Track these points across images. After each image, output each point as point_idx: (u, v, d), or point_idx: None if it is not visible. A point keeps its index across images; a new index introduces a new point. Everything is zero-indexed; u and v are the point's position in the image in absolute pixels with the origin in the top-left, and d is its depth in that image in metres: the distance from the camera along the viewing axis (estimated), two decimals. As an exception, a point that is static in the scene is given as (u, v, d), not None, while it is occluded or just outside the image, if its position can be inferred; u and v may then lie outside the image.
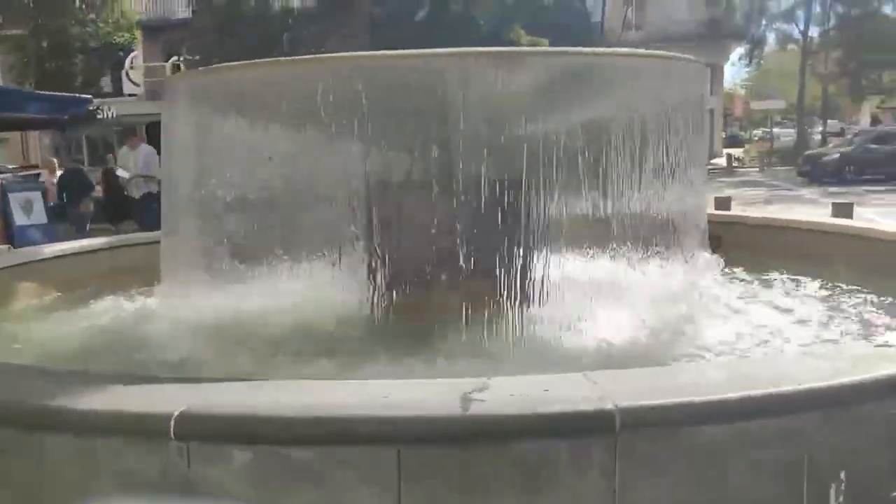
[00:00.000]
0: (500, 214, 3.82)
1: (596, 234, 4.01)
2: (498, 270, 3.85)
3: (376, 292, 4.09)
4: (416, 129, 3.94)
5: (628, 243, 3.95)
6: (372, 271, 4.15)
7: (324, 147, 4.42)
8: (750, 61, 42.20)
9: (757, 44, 39.99)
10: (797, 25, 38.96)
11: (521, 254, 3.95)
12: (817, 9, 37.76)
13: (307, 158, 4.42)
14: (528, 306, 3.90)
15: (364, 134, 3.81)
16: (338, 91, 3.55)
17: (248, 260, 4.45)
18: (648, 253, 3.97)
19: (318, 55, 4.39)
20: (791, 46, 41.66)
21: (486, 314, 3.66)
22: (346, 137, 4.06)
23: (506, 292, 3.81)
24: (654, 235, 3.97)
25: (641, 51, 4.30)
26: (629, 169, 3.80)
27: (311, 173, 4.41)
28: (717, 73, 38.43)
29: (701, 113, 4.10)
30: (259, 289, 4.36)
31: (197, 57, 21.45)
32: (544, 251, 4.04)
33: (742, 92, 57.60)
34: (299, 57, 4.27)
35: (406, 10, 19.74)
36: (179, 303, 4.27)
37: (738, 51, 41.57)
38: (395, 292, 4.03)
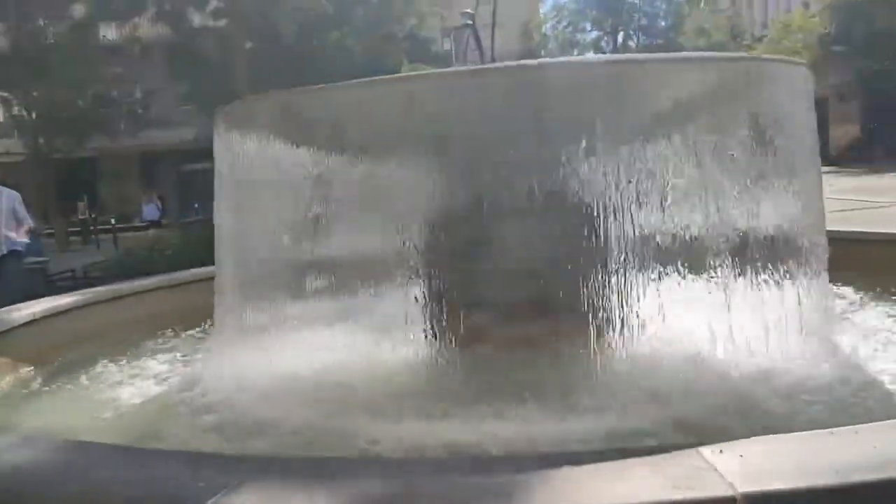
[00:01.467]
0: (586, 238, 3.53)
1: (700, 255, 3.55)
2: (589, 301, 3.60)
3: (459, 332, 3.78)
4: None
5: (740, 264, 3.48)
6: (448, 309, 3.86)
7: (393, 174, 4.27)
8: None
9: None
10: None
11: (613, 280, 3.63)
12: (630, 43, 39.35)
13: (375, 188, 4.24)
14: (625, 341, 3.55)
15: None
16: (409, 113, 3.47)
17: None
18: (765, 275, 3.47)
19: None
20: None
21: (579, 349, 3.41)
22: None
23: (600, 325, 3.52)
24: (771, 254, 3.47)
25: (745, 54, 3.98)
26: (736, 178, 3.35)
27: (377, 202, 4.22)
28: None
29: (811, 118, 3.62)
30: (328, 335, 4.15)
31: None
32: (640, 276, 3.65)
33: None
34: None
35: (276, 40, 18.78)
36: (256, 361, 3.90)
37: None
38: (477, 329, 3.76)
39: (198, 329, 5.25)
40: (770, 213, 3.33)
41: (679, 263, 3.84)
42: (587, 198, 3.82)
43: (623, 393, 3.15)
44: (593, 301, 3.61)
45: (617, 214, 3.68)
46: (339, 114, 3.98)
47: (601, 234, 3.75)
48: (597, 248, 3.75)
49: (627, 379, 3.31)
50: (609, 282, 3.78)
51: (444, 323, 3.91)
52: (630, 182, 3.60)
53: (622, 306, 3.82)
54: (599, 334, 3.54)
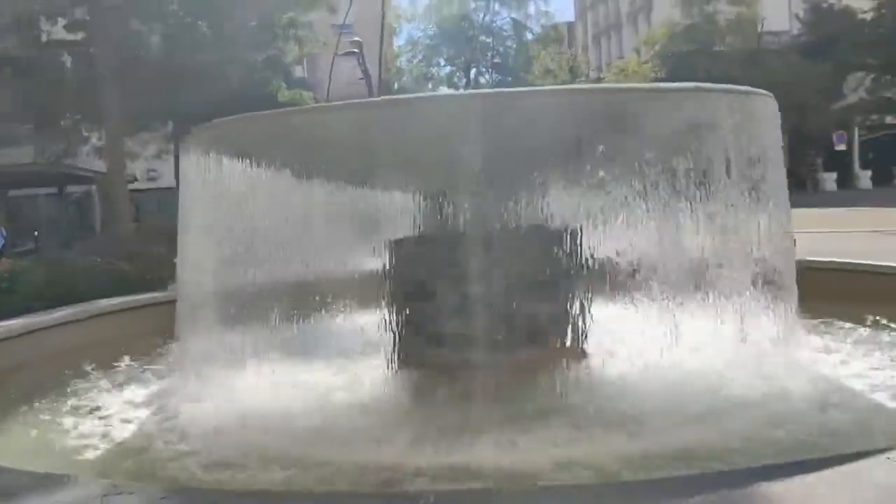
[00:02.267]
0: (552, 265, 3.69)
1: (678, 282, 3.65)
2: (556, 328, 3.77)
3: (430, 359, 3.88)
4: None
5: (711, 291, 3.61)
6: (416, 334, 3.95)
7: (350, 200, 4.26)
8: None
9: None
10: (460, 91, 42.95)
11: (579, 308, 3.81)
12: (482, 79, 41.86)
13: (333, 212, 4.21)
14: (590, 366, 3.72)
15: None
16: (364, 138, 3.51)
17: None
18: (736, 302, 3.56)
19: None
20: None
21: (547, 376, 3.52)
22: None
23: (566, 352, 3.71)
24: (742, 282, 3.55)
25: (711, 85, 3.88)
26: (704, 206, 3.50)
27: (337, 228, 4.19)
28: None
29: (778, 148, 3.75)
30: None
31: None
32: (607, 302, 3.85)
33: None
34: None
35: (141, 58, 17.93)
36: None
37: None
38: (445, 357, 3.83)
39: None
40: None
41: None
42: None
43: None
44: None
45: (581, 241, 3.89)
46: (307, 136, 3.98)
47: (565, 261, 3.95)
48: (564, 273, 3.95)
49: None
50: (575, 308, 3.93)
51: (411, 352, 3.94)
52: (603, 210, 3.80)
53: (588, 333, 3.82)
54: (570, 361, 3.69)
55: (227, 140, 4.21)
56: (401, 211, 4.41)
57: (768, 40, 40.78)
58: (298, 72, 29.42)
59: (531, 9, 40.92)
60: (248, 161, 4.15)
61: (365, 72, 27.70)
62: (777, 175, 3.64)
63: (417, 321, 4.13)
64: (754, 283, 3.49)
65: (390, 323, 4.22)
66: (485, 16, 40.58)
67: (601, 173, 3.45)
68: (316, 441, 3.21)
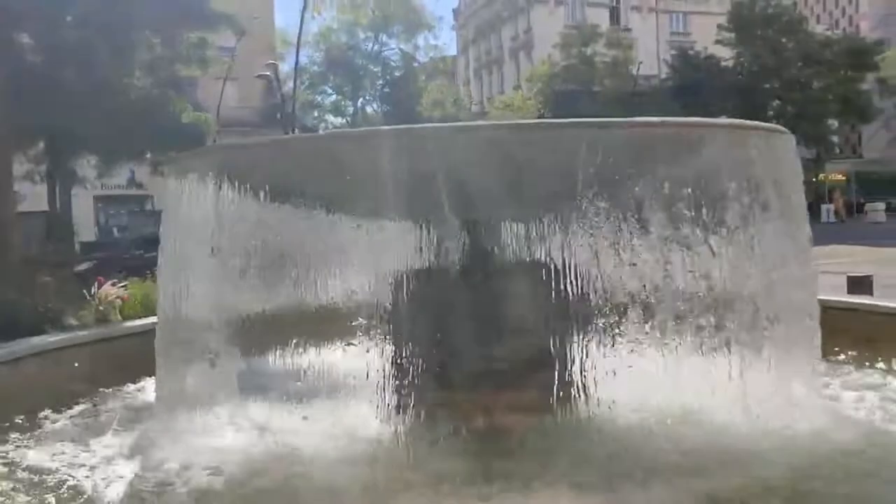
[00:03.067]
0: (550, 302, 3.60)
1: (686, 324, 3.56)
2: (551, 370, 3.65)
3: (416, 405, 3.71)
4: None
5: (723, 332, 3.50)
6: (406, 379, 3.81)
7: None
8: None
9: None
10: (347, 119, 43.26)
11: (579, 349, 3.70)
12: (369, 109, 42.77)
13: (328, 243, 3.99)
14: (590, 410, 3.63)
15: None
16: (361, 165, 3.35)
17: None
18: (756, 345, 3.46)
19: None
20: None
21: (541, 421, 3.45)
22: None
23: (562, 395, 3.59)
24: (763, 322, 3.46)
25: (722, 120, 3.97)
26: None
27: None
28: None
29: (799, 184, 3.65)
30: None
31: None
32: (608, 343, 3.70)
33: None
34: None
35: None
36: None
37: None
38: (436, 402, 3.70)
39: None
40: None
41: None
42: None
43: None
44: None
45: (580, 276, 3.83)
46: (298, 165, 3.79)
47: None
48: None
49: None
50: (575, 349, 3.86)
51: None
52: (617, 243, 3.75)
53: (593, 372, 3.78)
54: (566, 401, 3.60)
55: (229, 167, 3.92)
56: (406, 244, 4.22)
57: (641, 83, 43.19)
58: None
59: (420, 41, 41.49)
60: (252, 190, 3.88)
61: (281, 95, 27.06)
62: (802, 209, 3.68)
63: (423, 358, 3.93)
64: (779, 320, 3.52)
65: (393, 360, 4.03)
66: (373, 46, 40.74)
67: (642, 211, 3.43)
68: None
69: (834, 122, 45.87)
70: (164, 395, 4.09)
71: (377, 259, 4.18)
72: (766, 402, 3.54)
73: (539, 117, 41.42)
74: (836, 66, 41.91)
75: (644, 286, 3.83)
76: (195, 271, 4.02)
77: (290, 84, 41.46)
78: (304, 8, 24.53)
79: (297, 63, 26.34)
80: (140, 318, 6.67)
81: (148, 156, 19.77)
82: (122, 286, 7.18)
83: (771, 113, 44.28)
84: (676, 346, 3.85)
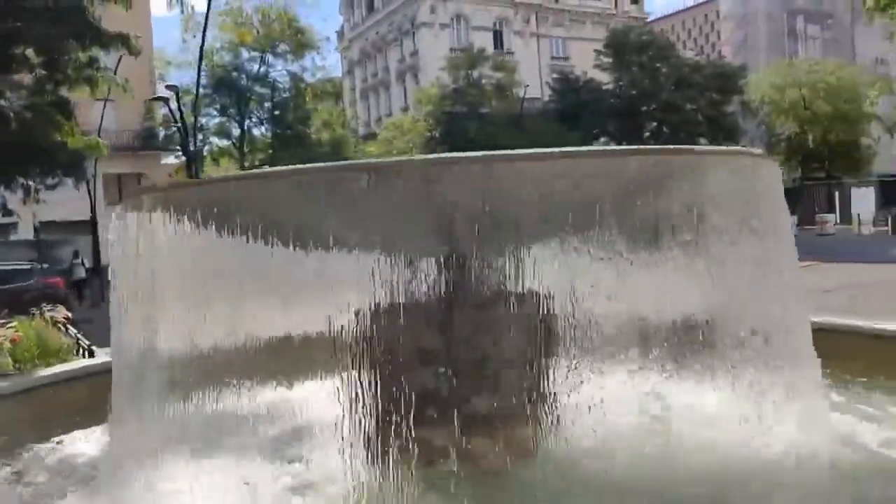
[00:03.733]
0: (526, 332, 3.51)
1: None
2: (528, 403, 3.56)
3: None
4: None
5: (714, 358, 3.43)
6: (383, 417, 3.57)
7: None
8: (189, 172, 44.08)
9: (194, 157, 42.59)
10: (233, 142, 41.98)
11: (552, 382, 3.63)
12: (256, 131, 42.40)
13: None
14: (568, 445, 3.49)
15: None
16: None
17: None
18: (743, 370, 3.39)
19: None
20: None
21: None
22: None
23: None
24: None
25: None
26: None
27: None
28: (146, 182, 40.74)
29: (779, 208, 3.60)
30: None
31: None
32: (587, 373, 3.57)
33: None
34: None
35: None
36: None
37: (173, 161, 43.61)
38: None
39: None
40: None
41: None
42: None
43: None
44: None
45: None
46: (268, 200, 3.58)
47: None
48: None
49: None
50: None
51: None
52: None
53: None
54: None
55: (183, 203, 3.61)
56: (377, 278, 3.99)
57: (526, 106, 44.38)
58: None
59: (307, 62, 40.86)
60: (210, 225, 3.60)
61: (181, 116, 25.82)
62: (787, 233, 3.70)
63: (398, 397, 3.72)
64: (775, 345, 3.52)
65: (365, 400, 3.80)
66: (259, 67, 39.80)
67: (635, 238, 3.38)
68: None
69: (704, 142, 48.79)
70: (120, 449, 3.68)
71: (348, 292, 3.93)
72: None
73: (429, 139, 41.74)
74: (705, 90, 44.60)
75: (635, 316, 3.78)
76: (161, 309, 3.69)
77: (173, 106, 39.92)
78: (206, 28, 23.43)
79: (198, 87, 25.26)
80: (35, 363, 6.02)
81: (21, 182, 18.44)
82: (11, 326, 6.44)
83: (648, 134, 46.65)
84: (670, 375, 3.80)
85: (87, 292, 24.28)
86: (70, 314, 14.21)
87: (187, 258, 3.68)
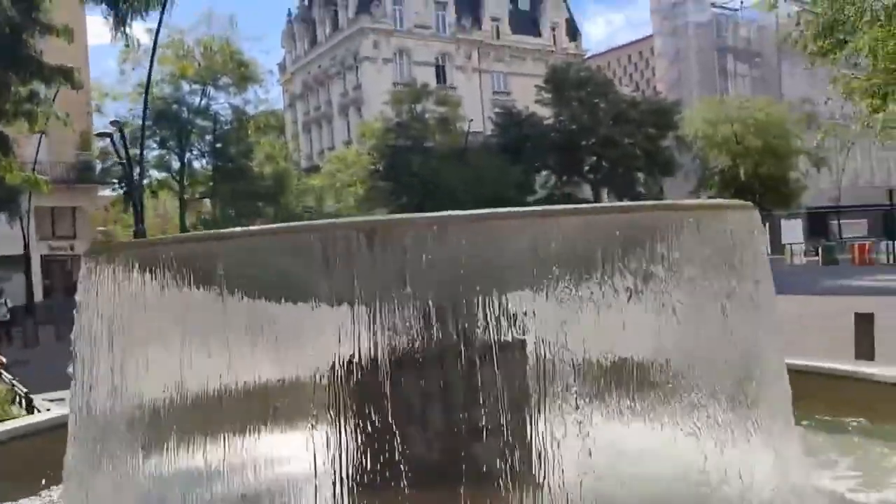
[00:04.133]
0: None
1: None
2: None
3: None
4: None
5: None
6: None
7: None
8: (127, 207, 41.79)
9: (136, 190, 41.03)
10: (173, 175, 41.32)
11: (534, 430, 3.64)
12: (196, 164, 42.19)
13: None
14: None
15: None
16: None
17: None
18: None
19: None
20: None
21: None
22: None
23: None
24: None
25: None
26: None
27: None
28: (82, 215, 40.87)
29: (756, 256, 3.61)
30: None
31: None
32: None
33: None
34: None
35: None
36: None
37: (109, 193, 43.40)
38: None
39: None
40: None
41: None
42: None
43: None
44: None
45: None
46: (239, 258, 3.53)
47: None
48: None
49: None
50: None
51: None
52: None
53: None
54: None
55: (157, 259, 3.54)
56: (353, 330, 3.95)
57: (469, 139, 44.91)
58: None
59: (250, 94, 40.55)
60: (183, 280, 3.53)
61: (126, 150, 25.20)
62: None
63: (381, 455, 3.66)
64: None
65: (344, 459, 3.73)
66: (201, 100, 39.29)
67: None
68: None
69: (641, 176, 50.08)
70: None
71: (328, 344, 3.88)
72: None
73: (373, 172, 41.79)
74: (642, 125, 45.92)
75: (629, 365, 3.79)
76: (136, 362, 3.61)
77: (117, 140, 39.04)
78: (153, 60, 23.02)
79: (144, 120, 24.75)
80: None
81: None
82: None
83: (587, 168, 47.72)
84: (664, 424, 3.79)
85: (17, 332, 23.37)
86: (3, 359, 13.63)
87: (167, 313, 3.59)
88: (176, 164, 40.18)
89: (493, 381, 3.56)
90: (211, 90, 39.65)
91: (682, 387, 3.78)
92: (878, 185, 65.00)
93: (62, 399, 12.99)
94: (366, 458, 3.64)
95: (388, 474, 3.55)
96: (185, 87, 39.25)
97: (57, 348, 24.68)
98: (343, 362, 3.71)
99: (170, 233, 39.99)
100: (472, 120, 45.32)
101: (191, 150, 39.68)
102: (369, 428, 3.67)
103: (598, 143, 45.57)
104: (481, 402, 3.66)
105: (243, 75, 39.45)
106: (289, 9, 68.26)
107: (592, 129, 45.18)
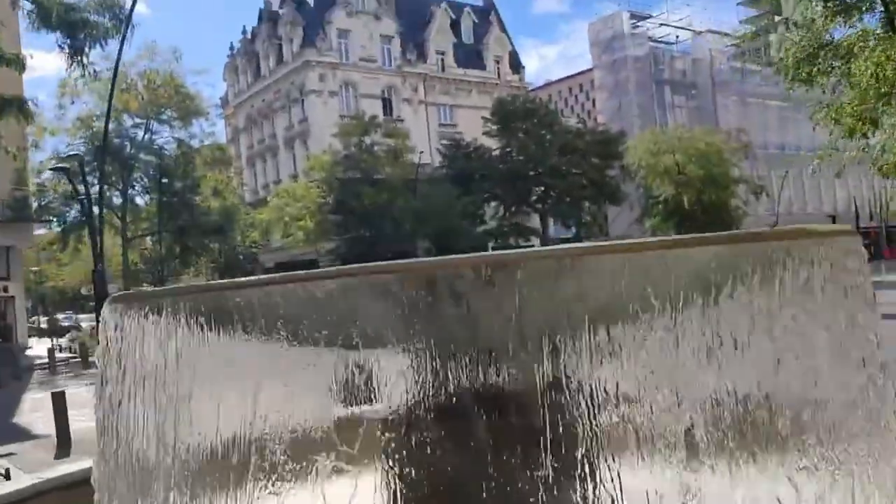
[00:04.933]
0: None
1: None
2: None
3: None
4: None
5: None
6: None
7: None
8: (65, 245, 42.24)
9: (71, 230, 39.95)
10: (114, 212, 40.27)
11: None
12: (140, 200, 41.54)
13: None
14: None
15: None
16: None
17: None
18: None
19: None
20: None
21: None
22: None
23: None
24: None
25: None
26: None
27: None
28: (16, 255, 39.46)
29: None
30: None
31: None
32: None
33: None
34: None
35: None
36: None
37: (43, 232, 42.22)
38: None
39: None
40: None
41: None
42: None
43: None
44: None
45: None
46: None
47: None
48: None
49: None
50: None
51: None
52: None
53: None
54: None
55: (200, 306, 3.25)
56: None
57: (419, 171, 44.93)
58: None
59: (196, 128, 39.78)
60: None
61: (86, 189, 24.22)
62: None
63: None
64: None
65: None
66: (144, 134, 38.38)
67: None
68: None
69: (587, 205, 50.84)
70: None
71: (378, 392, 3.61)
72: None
73: (322, 205, 41.34)
74: (588, 155, 46.72)
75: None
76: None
77: (47, 175, 37.74)
78: (112, 93, 22.24)
79: (104, 154, 23.89)
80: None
81: None
82: None
83: (535, 198, 48.24)
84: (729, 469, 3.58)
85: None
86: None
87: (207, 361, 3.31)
88: (117, 201, 39.06)
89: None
90: (154, 124, 38.82)
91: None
92: (810, 212, 67.58)
93: (12, 453, 12.22)
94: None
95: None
96: (128, 120, 38.33)
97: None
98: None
99: (113, 269, 38.80)
100: (422, 152, 45.40)
101: (133, 186, 38.66)
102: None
103: (546, 173, 46.13)
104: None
105: (188, 109, 38.74)
106: (231, 42, 67.64)
107: (540, 160, 45.74)
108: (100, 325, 3.83)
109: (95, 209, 38.98)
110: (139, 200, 39.82)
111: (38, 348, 40.78)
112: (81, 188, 35.23)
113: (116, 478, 3.45)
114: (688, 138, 51.32)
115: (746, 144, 53.94)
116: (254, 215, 44.82)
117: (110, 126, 38.04)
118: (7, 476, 8.19)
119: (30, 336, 44.69)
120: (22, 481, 5.05)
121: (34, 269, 56.56)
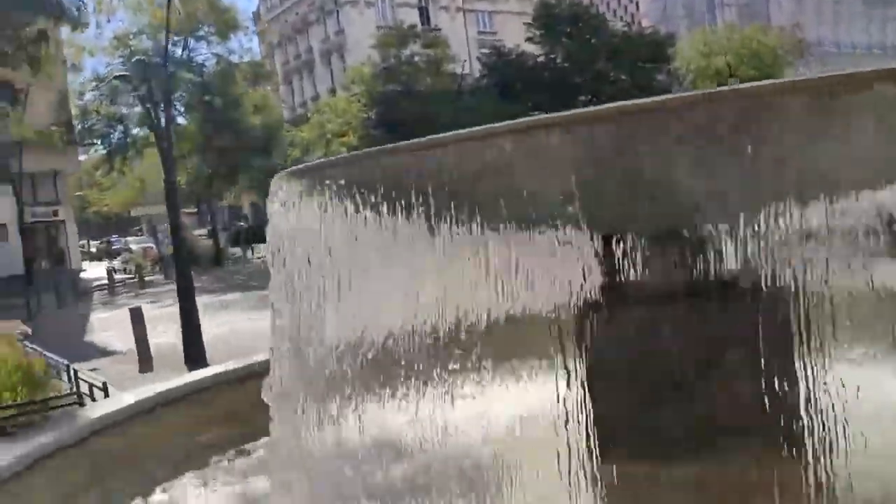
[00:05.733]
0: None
1: None
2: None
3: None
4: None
5: None
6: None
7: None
8: (111, 168, 41.85)
9: (118, 150, 39.59)
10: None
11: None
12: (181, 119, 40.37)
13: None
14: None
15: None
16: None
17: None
18: None
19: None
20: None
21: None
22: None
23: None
24: None
25: None
26: None
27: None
28: (63, 179, 40.07)
29: None
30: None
31: None
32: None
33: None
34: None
35: None
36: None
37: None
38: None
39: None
40: None
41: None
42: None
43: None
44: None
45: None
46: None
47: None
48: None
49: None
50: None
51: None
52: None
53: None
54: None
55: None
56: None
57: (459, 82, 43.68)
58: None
59: (234, 44, 38.91)
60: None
61: (148, 101, 23.96)
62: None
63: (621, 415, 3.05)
64: None
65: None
66: (182, 51, 37.59)
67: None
68: None
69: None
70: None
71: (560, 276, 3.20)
72: None
73: (366, 119, 40.54)
74: (636, 59, 44.86)
75: None
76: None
77: (90, 96, 37.38)
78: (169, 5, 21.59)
79: (166, 65, 23.38)
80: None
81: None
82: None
83: (581, 105, 46.71)
84: None
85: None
86: (28, 329, 12.75)
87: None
88: (162, 122, 38.55)
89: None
90: (192, 41, 37.98)
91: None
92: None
93: (96, 368, 12.26)
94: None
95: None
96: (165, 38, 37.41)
97: (59, 317, 23.78)
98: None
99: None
100: (464, 61, 44.03)
101: (175, 106, 38.10)
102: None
103: (592, 79, 44.47)
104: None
105: (225, 23, 37.77)
106: (260, -47, 65.62)
107: (586, 66, 44.04)
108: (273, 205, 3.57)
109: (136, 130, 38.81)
110: (181, 120, 39.38)
111: (92, 271, 41.45)
112: (126, 109, 35.01)
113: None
114: (739, 38, 49.05)
115: (801, 41, 51.43)
116: (294, 132, 44.24)
117: (149, 44, 37.46)
118: (105, 389, 8.06)
119: (81, 260, 45.43)
120: (204, 371, 5.68)
121: (77, 193, 56.97)
